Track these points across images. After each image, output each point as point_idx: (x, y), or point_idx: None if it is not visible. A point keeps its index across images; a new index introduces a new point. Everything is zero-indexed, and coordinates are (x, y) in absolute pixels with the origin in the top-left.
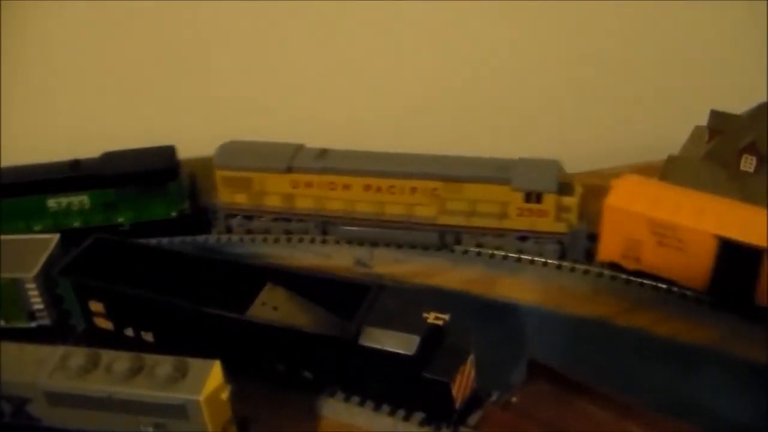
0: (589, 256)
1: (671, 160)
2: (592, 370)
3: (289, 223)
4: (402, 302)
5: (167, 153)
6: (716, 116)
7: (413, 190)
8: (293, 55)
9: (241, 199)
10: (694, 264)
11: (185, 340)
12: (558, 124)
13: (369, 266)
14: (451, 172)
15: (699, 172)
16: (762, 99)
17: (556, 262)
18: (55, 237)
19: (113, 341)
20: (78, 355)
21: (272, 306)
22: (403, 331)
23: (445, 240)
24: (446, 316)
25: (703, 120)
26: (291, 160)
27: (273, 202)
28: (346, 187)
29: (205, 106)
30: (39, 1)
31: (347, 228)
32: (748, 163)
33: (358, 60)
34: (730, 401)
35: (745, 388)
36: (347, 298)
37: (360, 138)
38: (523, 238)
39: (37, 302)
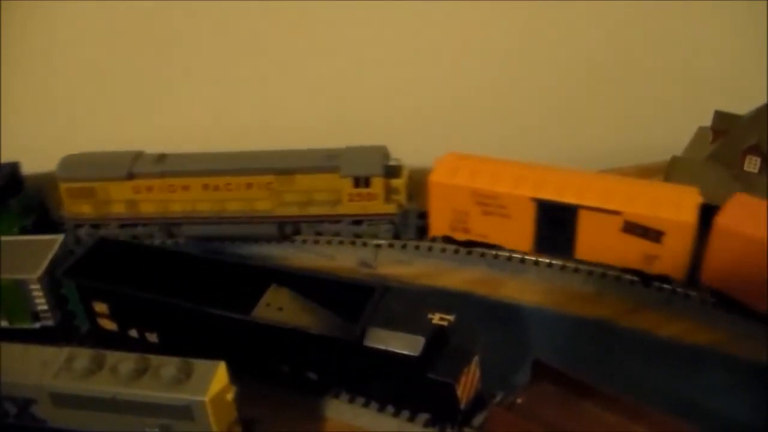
0: (422, 233)
1: (675, 161)
2: (596, 371)
3: (135, 228)
4: (407, 303)
5: (9, 170)
6: (720, 117)
7: (249, 185)
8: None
9: (86, 209)
10: (518, 227)
11: (190, 341)
12: (562, 125)
13: (373, 267)
14: (283, 165)
15: (703, 173)
16: (765, 99)
17: (560, 262)
18: (59, 238)
19: (117, 342)
20: (83, 356)
21: (277, 307)
22: (408, 332)
23: (284, 231)
24: (451, 317)
25: (707, 121)
26: (131, 166)
27: (118, 209)
28: (186, 188)
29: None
30: (39, 0)
31: (190, 227)
32: (752, 164)
33: (344, 65)
34: (734, 402)
35: (748, 389)
36: (352, 299)
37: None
38: (357, 222)
39: (41, 303)
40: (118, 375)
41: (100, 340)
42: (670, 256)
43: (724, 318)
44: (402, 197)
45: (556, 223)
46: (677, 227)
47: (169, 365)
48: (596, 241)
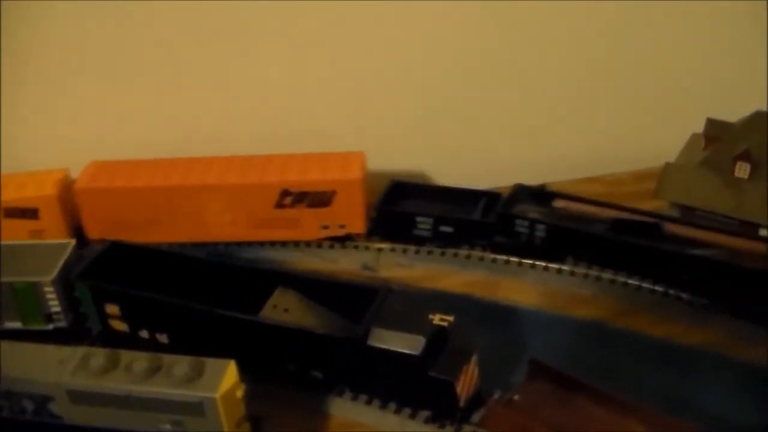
0: None
1: (668, 167)
2: (591, 371)
3: None
4: (408, 305)
5: None
6: (712, 124)
7: None
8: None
9: None
10: None
11: (199, 342)
12: (558, 130)
13: (375, 270)
14: None
15: (695, 179)
16: (761, 107)
17: (556, 266)
18: (71, 242)
19: (128, 343)
20: (98, 355)
21: (283, 308)
22: (409, 332)
23: None
24: (451, 318)
25: (701, 128)
26: None
27: None
28: None
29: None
30: (39, 0)
31: None
32: (743, 170)
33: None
34: (726, 402)
35: (740, 388)
36: (355, 301)
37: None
38: None
39: (54, 305)
40: (133, 373)
41: (112, 340)
42: (51, 227)
43: (716, 319)
44: None
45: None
46: (45, 201)
47: (181, 364)
48: None
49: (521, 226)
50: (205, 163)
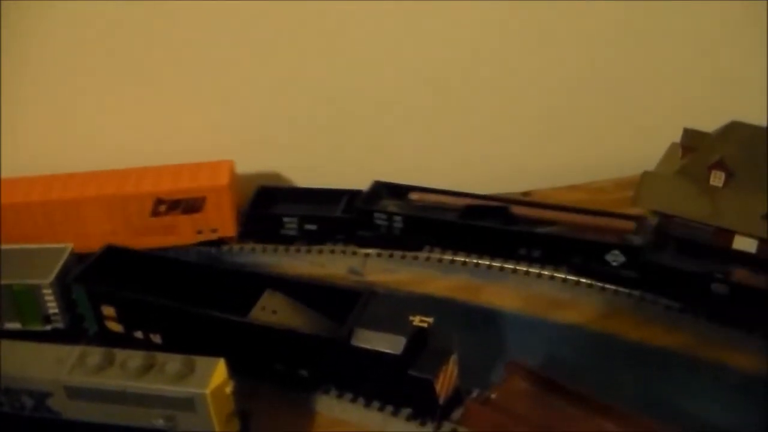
0: None
1: (645, 176)
2: (569, 372)
3: None
4: (391, 307)
5: None
6: (689, 134)
7: None
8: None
9: None
10: None
11: (191, 342)
12: (540, 138)
13: (361, 274)
14: None
15: (672, 187)
16: (742, 117)
17: (536, 270)
18: (69, 246)
19: (123, 343)
20: (95, 354)
21: (271, 310)
22: (390, 332)
23: None
24: (430, 320)
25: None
26: None
27: None
28: None
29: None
30: (39, 0)
31: None
32: (718, 179)
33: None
34: (702, 404)
35: (716, 391)
36: (340, 303)
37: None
38: None
39: (52, 307)
40: (127, 370)
41: (108, 341)
42: None
43: (694, 322)
44: None
45: None
46: None
47: (173, 361)
48: None
49: (380, 219)
50: (82, 177)
